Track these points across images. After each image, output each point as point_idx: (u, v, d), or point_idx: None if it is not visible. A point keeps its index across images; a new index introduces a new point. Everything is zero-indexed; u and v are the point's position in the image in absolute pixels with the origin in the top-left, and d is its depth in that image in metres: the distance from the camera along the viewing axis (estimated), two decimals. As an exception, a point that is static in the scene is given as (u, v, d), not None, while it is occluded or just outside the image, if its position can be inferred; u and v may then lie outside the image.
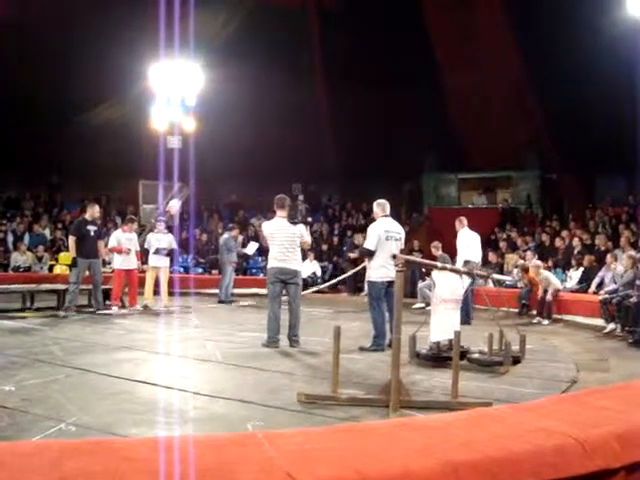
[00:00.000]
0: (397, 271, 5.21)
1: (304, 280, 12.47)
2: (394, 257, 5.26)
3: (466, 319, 10.34)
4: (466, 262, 10.89)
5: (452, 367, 5.45)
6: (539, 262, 12.55)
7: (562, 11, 16.30)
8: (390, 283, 7.73)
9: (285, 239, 8.03)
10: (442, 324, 6.12)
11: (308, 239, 8.48)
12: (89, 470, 2.08)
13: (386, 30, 19.66)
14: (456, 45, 19.67)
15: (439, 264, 6.20)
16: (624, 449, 2.53)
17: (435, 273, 5.99)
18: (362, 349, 7.86)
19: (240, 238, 15.03)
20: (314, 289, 13.04)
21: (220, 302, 13.85)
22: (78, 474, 2.04)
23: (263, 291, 15.00)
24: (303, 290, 12.67)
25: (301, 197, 18.10)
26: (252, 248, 15.08)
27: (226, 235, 14.50)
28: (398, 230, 8.25)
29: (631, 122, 16.54)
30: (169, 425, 4.73)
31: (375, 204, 8.45)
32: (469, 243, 11.32)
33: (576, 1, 15.78)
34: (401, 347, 6.88)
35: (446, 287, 6.03)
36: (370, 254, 8.11)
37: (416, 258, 7.56)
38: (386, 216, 8.27)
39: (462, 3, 19.23)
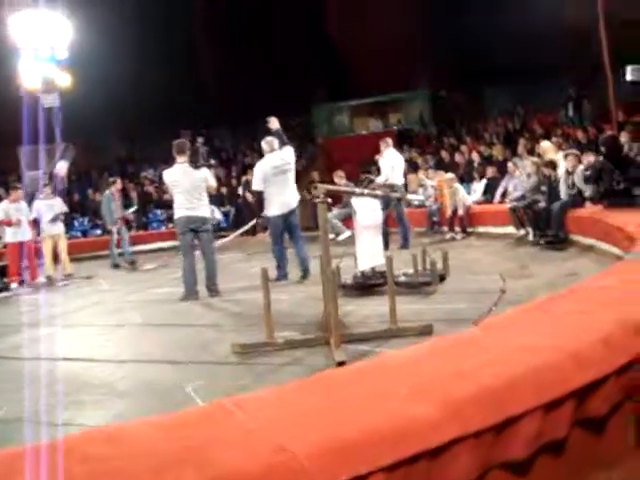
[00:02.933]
0: (319, 202, 4.91)
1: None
2: (315, 188, 4.94)
3: (404, 243, 10.31)
4: (390, 186, 10.44)
5: (387, 293, 5.29)
6: (452, 175, 12.55)
7: None
8: (289, 213, 8.22)
9: (190, 185, 7.57)
10: (367, 251, 5.91)
11: (213, 183, 8.09)
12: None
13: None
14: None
15: (357, 190, 5.95)
16: (611, 353, 2.39)
17: (354, 200, 5.74)
18: (272, 281, 7.72)
19: (135, 197, 14.09)
20: (229, 238, 12.57)
21: (115, 266, 12.63)
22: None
23: (167, 244, 14.48)
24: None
25: (200, 140, 17.43)
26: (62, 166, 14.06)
27: (106, 193, 12.96)
28: (287, 160, 8.33)
29: (511, 33, 16.75)
30: (101, 403, 4.35)
31: (263, 142, 8.52)
32: (394, 164, 10.81)
33: None
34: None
35: (366, 213, 5.80)
36: (259, 193, 8.42)
37: (335, 187, 7.31)
38: (273, 151, 8.34)
39: None
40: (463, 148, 15.56)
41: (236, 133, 22.46)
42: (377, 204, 6.26)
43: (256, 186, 8.40)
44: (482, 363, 2.22)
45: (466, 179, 13.77)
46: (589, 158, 9.51)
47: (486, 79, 19.11)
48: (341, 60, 20.28)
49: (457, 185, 12.12)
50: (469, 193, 13.10)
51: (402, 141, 18.93)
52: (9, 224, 10.92)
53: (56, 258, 11.69)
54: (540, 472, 2.20)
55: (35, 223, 11.54)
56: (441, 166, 14.88)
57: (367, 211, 5.99)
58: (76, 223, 15.73)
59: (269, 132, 8.57)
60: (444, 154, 15.93)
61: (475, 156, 14.41)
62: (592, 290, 3.46)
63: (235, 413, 1.99)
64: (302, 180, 18.43)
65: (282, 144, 8.41)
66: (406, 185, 14.42)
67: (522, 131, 16.05)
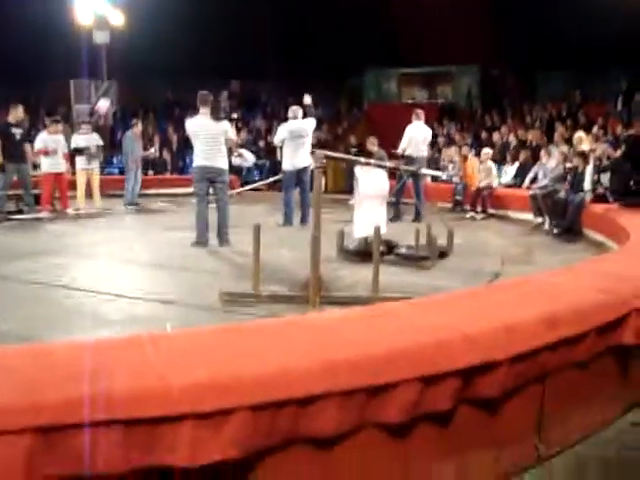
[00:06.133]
0: (316, 167, 5.12)
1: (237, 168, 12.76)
2: (313, 153, 5.15)
3: (416, 216, 10.27)
4: (409, 158, 10.66)
5: (388, 262, 5.50)
6: (489, 150, 12.63)
7: None
8: (300, 171, 9.77)
9: (209, 136, 7.83)
10: (367, 219, 6.07)
11: (233, 136, 8.38)
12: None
13: None
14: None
15: (362, 159, 6.11)
16: (510, 341, 2.57)
17: (358, 169, 5.90)
18: (278, 224, 9.70)
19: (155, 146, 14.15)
20: (247, 188, 12.91)
21: (127, 205, 12.69)
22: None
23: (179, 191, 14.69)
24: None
25: (225, 93, 17.61)
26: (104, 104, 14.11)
27: (128, 133, 13.14)
28: (304, 128, 9.93)
29: (570, 18, 16.43)
30: (85, 329, 4.70)
31: (289, 110, 10.23)
32: (413, 136, 10.96)
33: None
34: (331, 242, 6.98)
35: (370, 183, 5.96)
36: (278, 147, 10.79)
37: (335, 153, 7.48)
38: (295, 118, 9.99)
39: None
40: (503, 129, 15.44)
41: (284, 89, 22.51)
42: (383, 174, 6.41)
43: (276, 142, 10.57)
44: (381, 333, 2.44)
45: (499, 160, 13.73)
46: (608, 150, 9.50)
47: (540, 63, 18.78)
48: (396, 27, 20.05)
49: (491, 163, 12.16)
50: (500, 175, 13.10)
51: (445, 115, 18.85)
52: (45, 153, 11.34)
53: (88, 192, 12.15)
54: (421, 439, 2.44)
55: (71, 156, 11.98)
56: (478, 144, 14.86)
57: (370, 180, 6.16)
58: (115, 160, 16.14)
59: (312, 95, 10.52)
60: (483, 133, 15.86)
61: (512, 138, 14.34)
62: (539, 282, 3.62)
63: (145, 345, 2.26)
64: (341, 142, 18.64)
65: (307, 116, 10.07)
66: (437, 159, 14.54)
67: (566, 119, 15.81)
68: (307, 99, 10.31)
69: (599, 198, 9.39)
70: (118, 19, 16.30)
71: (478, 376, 2.45)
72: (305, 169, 9.75)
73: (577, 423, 3.04)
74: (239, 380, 1.98)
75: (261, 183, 13.07)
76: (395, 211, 10.41)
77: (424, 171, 9.48)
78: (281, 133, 10.07)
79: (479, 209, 11.80)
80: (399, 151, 10.97)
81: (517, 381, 2.63)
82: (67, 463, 1.81)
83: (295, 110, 10.09)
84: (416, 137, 11.01)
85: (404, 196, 10.81)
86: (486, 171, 12.20)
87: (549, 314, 2.89)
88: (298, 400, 2.02)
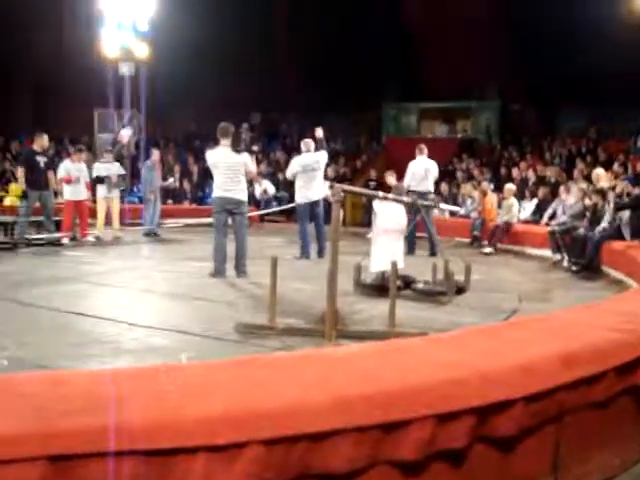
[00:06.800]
0: (334, 201, 5.15)
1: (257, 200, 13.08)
2: (331, 187, 5.19)
3: (432, 250, 10.45)
4: (419, 193, 10.63)
5: (404, 297, 5.50)
6: (512, 186, 12.66)
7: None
8: (313, 204, 9.95)
9: (229, 168, 7.91)
10: (384, 254, 6.08)
11: (253, 168, 8.46)
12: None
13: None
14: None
15: (381, 194, 6.14)
16: (525, 379, 2.55)
17: (376, 203, 5.93)
18: (295, 257, 9.78)
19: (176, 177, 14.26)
20: (259, 212, 13.09)
21: (146, 235, 12.88)
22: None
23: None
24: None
25: (245, 125, 17.82)
26: (126, 133, 14.27)
27: (147, 163, 13.38)
28: (317, 161, 10.04)
29: (595, 54, 16.52)
30: (102, 357, 4.71)
31: (302, 142, 10.37)
32: (414, 171, 11.04)
33: None
34: (348, 276, 6.98)
35: (388, 217, 5.99)
36: (291, 181, 10.72)
37: (353, 187, 7.52)
38: (308, 151, 10.12)
39: None
40: (522, 165, 15.44)
41: (304, 121, 22.73)
42: (401, 209, 6.44)
43: (288, 175, 10.59)
44: (396, 369, 2.43)
45: (518, 196, 13.73)
46: (628, 187, 9.48)
47: (562, 98, 18.85)
48: (416, 61, 20.26)
49: (513, 199, 12.16)
50: (519, 210, 13.08)
51: (464, 150, 18.91)
52: (69, 181, 11.54)
53: (108, 220, 12.29)
54: (435, 477, 2.41)
55: (92, 185, 12.16)
56: (497, 179, 14.88)
57: (389, 215, 6.19)
58: (135, 189, 16.31)
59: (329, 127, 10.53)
60: (502, 168, 15.89)
61: (531, 174, 14.34)
62: (556, 320, 3.59)
63: (162, 377, 2.27)
64: (360, 176, 18.75)
65: (319, 149, 10.17)
66: (455, 195, 14.54)
67: (586, 155, 15.81)
68: (319, 132, 10.35)
69: (617, 235, 9.35)
70: (143, 52, 16.60)
71: (493, 414, 2.43)
72: (318, 202, 9.99)
73: (594, 465, 2.99)
74: (253, 413, 1.98)
75: (273, 210, 13.25)
76: (409, 245, 10.38)
77: (443, 206, 9.48)
78: (293, 166, 10.20)
79: (498, 245, 11.75)
80: (404, 187, 10.94)
81: (533, 420, 2.60)
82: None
83: (308, 143, 10.21)
84: (418, 172, 11.09)
85: (418, 230, 10.83)
86: (507, 207, 12.20)
87: (566, 353, 2.87)
88: (312, 435, 2.01)
